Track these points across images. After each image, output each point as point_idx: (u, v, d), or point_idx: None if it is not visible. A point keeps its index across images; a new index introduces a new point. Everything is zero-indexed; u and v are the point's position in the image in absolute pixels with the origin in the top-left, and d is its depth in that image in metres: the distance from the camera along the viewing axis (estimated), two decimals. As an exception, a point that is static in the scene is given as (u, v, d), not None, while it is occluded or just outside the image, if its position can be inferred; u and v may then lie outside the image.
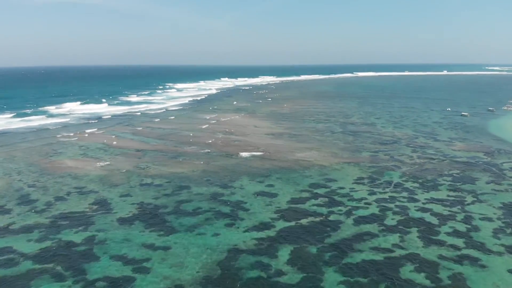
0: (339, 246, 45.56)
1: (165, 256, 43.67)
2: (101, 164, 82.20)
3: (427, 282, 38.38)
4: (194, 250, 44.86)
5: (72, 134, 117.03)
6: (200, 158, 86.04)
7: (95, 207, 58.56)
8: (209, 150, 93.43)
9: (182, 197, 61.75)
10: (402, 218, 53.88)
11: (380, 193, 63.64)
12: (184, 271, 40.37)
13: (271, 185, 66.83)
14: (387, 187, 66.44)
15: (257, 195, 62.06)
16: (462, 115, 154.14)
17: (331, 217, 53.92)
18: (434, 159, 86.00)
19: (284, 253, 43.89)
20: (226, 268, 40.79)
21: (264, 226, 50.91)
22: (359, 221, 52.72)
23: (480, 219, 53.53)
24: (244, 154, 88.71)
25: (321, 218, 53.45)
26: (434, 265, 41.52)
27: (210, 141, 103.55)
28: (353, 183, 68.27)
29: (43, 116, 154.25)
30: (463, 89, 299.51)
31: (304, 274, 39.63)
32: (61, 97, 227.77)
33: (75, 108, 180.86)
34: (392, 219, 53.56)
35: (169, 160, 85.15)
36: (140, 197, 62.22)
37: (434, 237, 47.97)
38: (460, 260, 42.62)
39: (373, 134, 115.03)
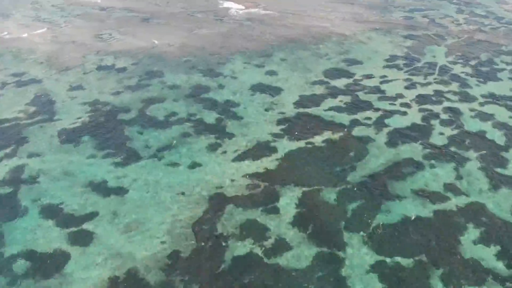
0: (367, 188, 31.81)
1: (119, 208, 30.42)
2: (53, 34, 62.89)
3: (500, 267, 25.82)
4: (162, 195, 31.36)
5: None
6: (179, 22, 65.75)
7: (32, 109, 43.14)
8: (192, 9, 71.83)
9: (151, 93, 45.49)
10: (455, 132, 38.72)
11: (421, 85, 46.86)
12: (142, 241, 27.62)
13: (274, 73, 49.45)
14: (430, 74, 49.22)
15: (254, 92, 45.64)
16: None
17: (355, 131, 38.81)
18: (485, 25, 65.45)
19: (289, 205, 30.34)
20: (204, 236, 27.92)
21: (262, 149, 36.18)
22: (395, 138, 37.75)
23: None
24: (237, 16, 67.79)
25: (342, 134, 38.41)
26: (509, 230, 28.49)
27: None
28: (384, 67, 50.73)
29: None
30: None
31: (317, 250, 26.85)
32: None
33: None
34: (441, 133, 38.48)
35: (139, 25, 65.07)
36: (95, 92, 46.06)
37: (503, 172, 33.72)
38: (545, 219, 29.39)
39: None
